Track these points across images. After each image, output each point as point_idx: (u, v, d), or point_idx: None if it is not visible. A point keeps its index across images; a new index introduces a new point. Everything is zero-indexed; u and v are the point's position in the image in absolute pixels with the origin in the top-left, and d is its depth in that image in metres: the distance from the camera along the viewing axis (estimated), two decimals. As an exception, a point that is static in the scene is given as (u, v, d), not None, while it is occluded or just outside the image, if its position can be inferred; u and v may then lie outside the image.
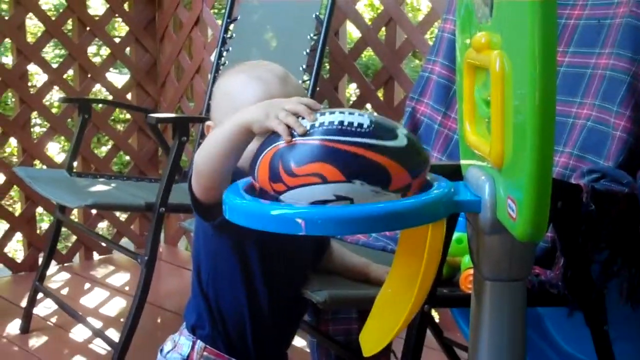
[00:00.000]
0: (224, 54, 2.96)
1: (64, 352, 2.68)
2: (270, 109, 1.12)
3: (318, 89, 2.68)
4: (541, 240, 1.04)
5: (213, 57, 3.06)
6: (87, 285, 3.38)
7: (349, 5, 2.90)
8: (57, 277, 3.46)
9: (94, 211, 3.67)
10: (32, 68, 3.63)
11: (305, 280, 1.47)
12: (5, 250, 3.49)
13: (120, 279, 3.49)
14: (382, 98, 2.92)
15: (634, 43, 1.58)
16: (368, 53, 3.96)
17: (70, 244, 3.86)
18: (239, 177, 1.17)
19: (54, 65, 3.56)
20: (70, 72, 3.66)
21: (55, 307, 2.89)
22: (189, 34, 3.60)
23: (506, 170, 0.98)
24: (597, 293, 1.40)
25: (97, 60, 4.41)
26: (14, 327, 2.84)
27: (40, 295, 2.84)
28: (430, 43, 2.42)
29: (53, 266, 3.40)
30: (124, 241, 3.78)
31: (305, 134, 1.04)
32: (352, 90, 4.96)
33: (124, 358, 2.30)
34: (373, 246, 1.86)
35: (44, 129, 4.01)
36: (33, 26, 4.93)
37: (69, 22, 3.56)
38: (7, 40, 3.37)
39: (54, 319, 2.93)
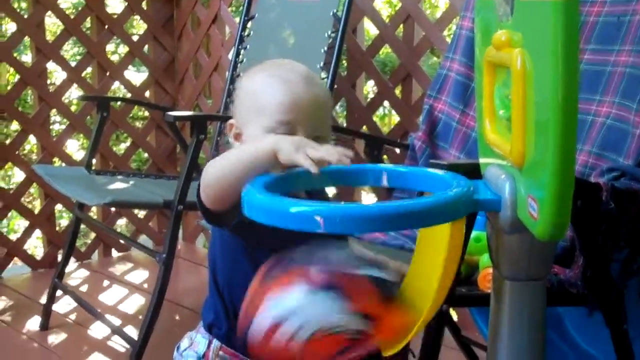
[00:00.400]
0: (242, 51, 2.97)
1: (83, 349, 2.69)
2: (302, 144, 1.14)
3: (335, 86, 2.68)
4: (561, 239, 1.03)
5: (231, 55, 3.07)
6: (105, 283, 3.40)
7: (366, 2, 2.89)
8: (76, 274, 3.48)
9: (112, 209, 3.69)
10: (50, 66, 3.64)
11: None
12: (25, 247, 3.52)
13: (139, 276, 3.50)
14: (399, 95, 2.92)
15: (654, 40, 1.57)
16: (385, 50, 3.95)
17: (89, 241, 3.88)
18: None
19: (73, 64, 3.57)
20: (89, 70, 3.67)
21: (74, 304, 2.90)
22: (206, 32, 3.60)
23: (527, 169, 0.98)
24: (616, 292, 1.39)
25: (114, 58, 4.43)
26: (33, 323, 2.85)
27: (59, 292, 2.86)
28: (448, 40, 2.41)
29: (72, 263, 3.42)
30: (143, 238, 3.80)
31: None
32: (369, 88, 4.95)
33: (142, 355, 2.31)
34: (391, 244, 1.86)
35: (63, 127, 4.03)
36: (51, 24, 4.96)
37: (88, 20, 3.58)
38: (26, 38, 3.39)
39: (73, 316, 2.95)
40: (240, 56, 2.96)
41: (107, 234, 3.66)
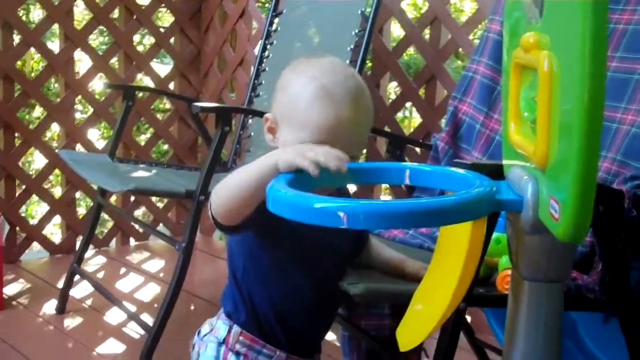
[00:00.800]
0: (268, 47, 2.99)
1: (99, 333, 2.71)
2: (301, 150, 1.16)
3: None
4: (582, 241, 1.03)
5: (256, 50, 3.09)
6: (122, 270, 3.44)
7: (394, 3, 2.90)
8: (93, 261, 3.52)
9: (132, 198, 3.73)
10: (75, 54, 3.67)
11: (343, 275, 1.48)
12: (43, 232, 3.56)
13: (155, 265, 3.53)
14: (422, 96, 2.92)
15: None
16: (409, 52, 3.96)
17: (106, 230, 3.92)
18: None
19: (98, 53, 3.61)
20: (114, 59, 3.70)
21: (91, 289, 2.94)
22: (233, 26, 3.63)
23: (550, 171, 0.98)
24: (634, 300, 1.39)
25: (139, 49, 4.46)
26: (50, 307, 2.89)
27: (76, 277, 2.89)
28: (474, 43, 2.41)
29: (90, 250, 3.45)
30: (160, 228, 3.83)
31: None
32: (391, 89, 4.95)
33: (158, 342, 2.33)
34: (410, 243, 1.86)
35: (84, 116, 4.06)
36: (77, 13, 4.99)
37: (116, 10, 3.61)
38: (54, 26, 3.42)
39: (89, 301, 2.98)
40: (267, 51, 2.98)
41: (125, 222, 3.70)
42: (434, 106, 2.82)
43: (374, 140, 2.94)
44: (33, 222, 3.56)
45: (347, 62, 2.60)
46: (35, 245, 3.55)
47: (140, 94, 3.68)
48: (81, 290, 3.04)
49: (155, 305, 2.94)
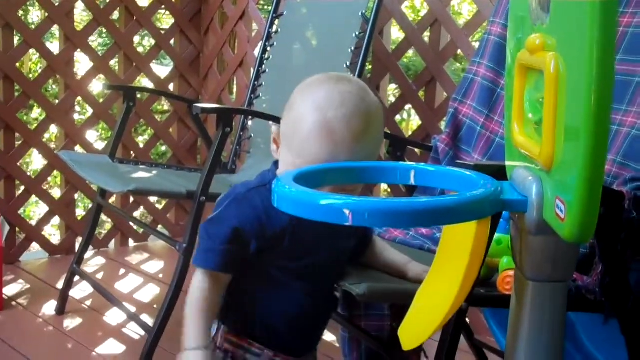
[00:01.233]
0: (268, 48, 2.99)
1: (98, 334, 2.71)
2: None
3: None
4: (588, 241, 1.04)
5: (256, 52, 3.09)
6: (122, 271, 3.44)
7: (394, 5, 2.91)
8: (92, 262, 3.51)
9: (131, 199, 3.73)
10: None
11: (342, 277, 1.48)
12: (43, 233, 3.55)
13: (155, 266, 3.54)
14: (422, 99, 2.93)
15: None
16: (408, 54, 3.97)
17: (105, 231, 3.92)
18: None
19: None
20: (114, 61, 3.71)
21: (91, 290, 2.94)
22: (233, 28, 3.63)
23: (556, 172, 0.99)
24: (634, 301, 1.40)
25: (139, 50, 4.46)
26: (49, 307, 2.89)
27: (76, 278, 2.89)
28: (474, 46, 2.42)
29: (89, 251, 3.45)
30: (159, 230, 3.82)
31: None
32: (390, 91, 4.96)
33: (158, 343, 2.33)
34: (410, 244, 1.87)
35: (82, 117, 4.06)
36: (77, 15, 5.00)
37: (116, 11, 3.61)
38: (53, 28, 3.42)
39: (89, 302, 2.98)
40: (267, 53, 2.99)
41: (124, 223, 3.70)
42: (433, 108, 2.83)
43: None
44: (32, 222, 3.56)
45: (348, 63, 2.61)
46: (35, 246, 3.55)
47: (139, 95, 3.68)
48: (81, 291, 3.04)
49: (155, 306, 2.94)
